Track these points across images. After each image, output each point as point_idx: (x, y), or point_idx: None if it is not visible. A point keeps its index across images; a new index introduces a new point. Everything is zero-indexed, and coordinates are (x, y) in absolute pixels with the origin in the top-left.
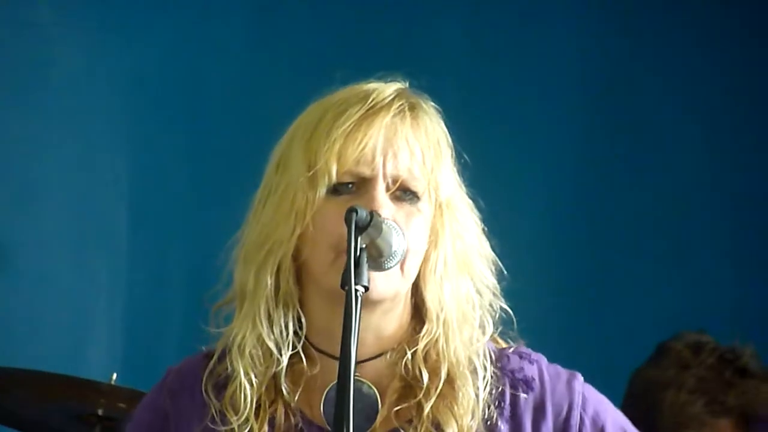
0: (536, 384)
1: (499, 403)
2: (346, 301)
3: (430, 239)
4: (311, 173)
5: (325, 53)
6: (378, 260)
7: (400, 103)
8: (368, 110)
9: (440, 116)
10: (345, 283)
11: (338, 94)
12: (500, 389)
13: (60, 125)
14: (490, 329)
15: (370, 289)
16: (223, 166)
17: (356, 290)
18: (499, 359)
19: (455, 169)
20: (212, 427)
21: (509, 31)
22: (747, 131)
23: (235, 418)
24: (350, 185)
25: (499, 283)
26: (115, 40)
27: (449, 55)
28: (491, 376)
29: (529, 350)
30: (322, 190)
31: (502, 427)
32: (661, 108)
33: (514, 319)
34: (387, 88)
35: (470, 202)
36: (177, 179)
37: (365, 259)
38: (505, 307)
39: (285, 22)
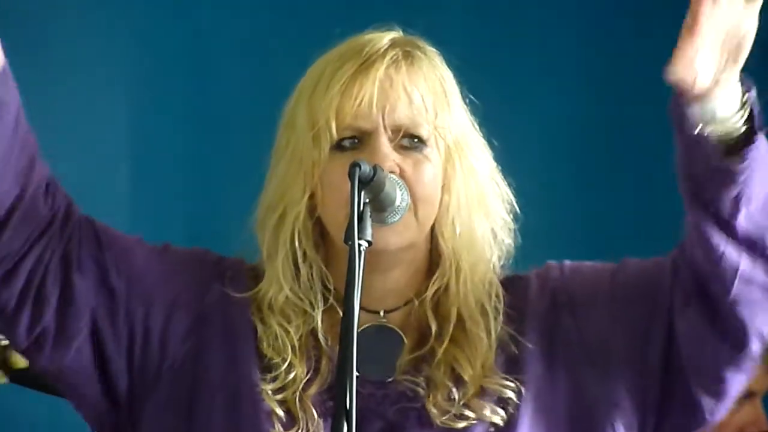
0: (517, 280)
1: (505, 319)
2: (350, 255)
3: (443, 183)
4: (314, 132)
5: (328, 9)
6: (381, 214)
7: (394, 52)
8: (362, 63)
9: (440, 58)
10: (348, 238)
11: (337, 49)
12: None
13: (58, 79)
14: (503, 271)
15: (386, 240)
16: (227, 119)
17: (359, 245)
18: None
19: (466, 108)
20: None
21: None
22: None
23: (278, 360)
24: (354, 140)
25: (515, 222)
26: None
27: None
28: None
29: None
30: (325, 148)
31: (507, 334)
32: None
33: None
34: (381, 39)
35: (483, 141)
36: (179, 133)
37: (369, 214)
38: (510, 242)
39: None
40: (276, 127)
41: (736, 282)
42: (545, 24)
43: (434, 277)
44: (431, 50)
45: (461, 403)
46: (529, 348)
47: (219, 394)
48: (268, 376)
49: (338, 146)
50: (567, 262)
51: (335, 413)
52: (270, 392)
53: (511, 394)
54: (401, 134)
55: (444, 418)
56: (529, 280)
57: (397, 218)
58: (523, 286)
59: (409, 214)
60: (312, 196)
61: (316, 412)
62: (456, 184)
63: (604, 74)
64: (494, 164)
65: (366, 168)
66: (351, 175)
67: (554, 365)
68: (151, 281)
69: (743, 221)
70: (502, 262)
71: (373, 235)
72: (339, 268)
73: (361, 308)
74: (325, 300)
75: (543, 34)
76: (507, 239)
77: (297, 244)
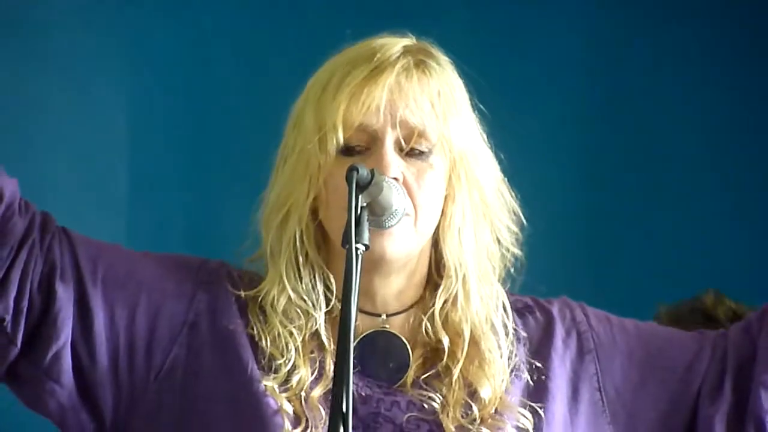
0: (536, 308)
1: (517, 341)
2: (347, 259)
3: (447, 193)
4: (320, 136)
5: (328, 12)
6: (379, 218)
7: (406, 60)
8: (373, 70)
9: (452, 67)
10: (345, 241)
11: (348, 52)
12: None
13: (58, 80)
14: (507, 282)
15: (383, 248)
16: (226, 123)
17: (357, 248)
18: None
19: (475, 117)
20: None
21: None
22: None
23: (281, 361)
24: (360, 146)
25: (521, 233)
26: None
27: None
28: (512, 331)
29: None
30: (332, 152)
31: (521, 352)
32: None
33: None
34: (393, 46)
35: (490, 152)
36: (178, 135)
37: (366, 218)
38: (518, 253)
39: None
40: (274, 128)
41: None
42: (548, 26)
43: (441, 288)
44: (444, 59)
45: (478, 421)
46: (551, 389)
47: (216, 401)
48: (271, 375)
49: (345, 151)
50: (587, 306)
51: (331, 414)
52: (276, 388)
53: (528, 421)
54: (407, 143)
55: None
56: (551, 316)
57: (394, 222)
58: (545, 322)
59: (407, 223)
60: (316, 199)
61: (324, 411)
62: (461, 195)
63: (607, 75)
64: (500, 175)
65: (364, 172)
66: (349, 179)
67: (577, 414)
68: (133, 289)
69: None
70: (508, 275)
71: (370, 240)
72: (339, 270)
73: (362, 311)
74: (327, 302)
75: (546, 35)
76: (514, 250)
77: (299, 245)
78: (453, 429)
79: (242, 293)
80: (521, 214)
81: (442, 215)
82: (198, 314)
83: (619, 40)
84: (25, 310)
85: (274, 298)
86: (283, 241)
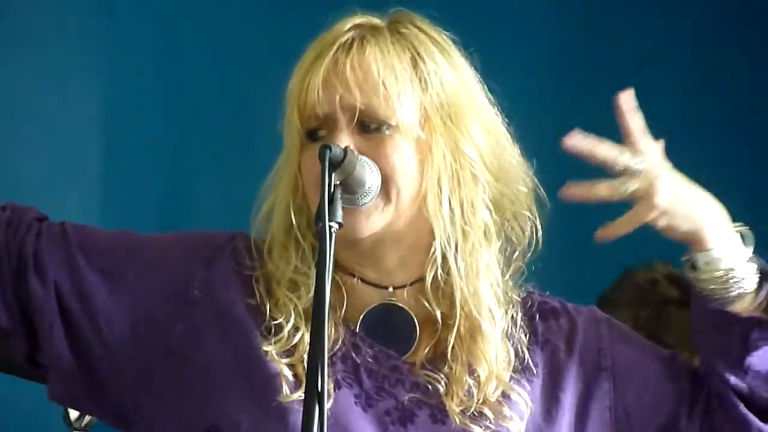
0: (562, 313)
1: (532, 331)
2: (320, 237)
3: (420, 157)
4: (287, 124)
5: None
6: (353, 196)
7: (347, 36)
8: (318, 54)
9: (413, 31)
10: (319, 220)
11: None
12: (530, 319)
13: (30, 53)
14: (511, 249)
15: (353, 227)
16: (200, 99)
17: (330, 227)
18: (522, 293)
19: (452, 77)
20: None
21: None
22: None
23: (281, 320)
24: (320, 129)
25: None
26: None
27: None
28: (515, 305)
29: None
30: (296, 139)
31: (537, 354)
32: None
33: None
34: (342, 25)
35: (477, 104)
36: (152, 112)
37: (339, 195)
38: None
39: None
40: (248, 104)
41: None
42: None
43: (429, 256)
44: (403, 26)
45: (480, 401)
46: (562, 399)
47: (218, 371)
48: (272, 339)
49: (309, 136)
50: (614, 321)
51: (305, 392)
52: (275, 354)
53: (530, 413)
54: (357, 117)
55: (462, 417)
56: (575, 326)
57: (367, 200)
58: (568, 330)
59: (379, 196)
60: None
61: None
62: (433, 158)
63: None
64: (499, 131)
65: (336, 150)
66: (321, 157)
67: (583, 430)
68: (133, 274)
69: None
70: (516, 253)
71: (344, 218)
72: (337, 243)
73: (368, 282)
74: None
75: None
76: (522, 211)
77: (294, 223)
78: (457, 410)
79: (245, 270)
80: (525, 174)
81: (422, 182)
82: (197, 290)
83: None
84: (14, 307)
85: (280, 273)
86: (278, 223)
